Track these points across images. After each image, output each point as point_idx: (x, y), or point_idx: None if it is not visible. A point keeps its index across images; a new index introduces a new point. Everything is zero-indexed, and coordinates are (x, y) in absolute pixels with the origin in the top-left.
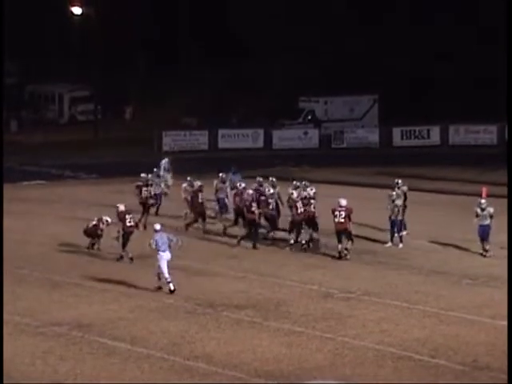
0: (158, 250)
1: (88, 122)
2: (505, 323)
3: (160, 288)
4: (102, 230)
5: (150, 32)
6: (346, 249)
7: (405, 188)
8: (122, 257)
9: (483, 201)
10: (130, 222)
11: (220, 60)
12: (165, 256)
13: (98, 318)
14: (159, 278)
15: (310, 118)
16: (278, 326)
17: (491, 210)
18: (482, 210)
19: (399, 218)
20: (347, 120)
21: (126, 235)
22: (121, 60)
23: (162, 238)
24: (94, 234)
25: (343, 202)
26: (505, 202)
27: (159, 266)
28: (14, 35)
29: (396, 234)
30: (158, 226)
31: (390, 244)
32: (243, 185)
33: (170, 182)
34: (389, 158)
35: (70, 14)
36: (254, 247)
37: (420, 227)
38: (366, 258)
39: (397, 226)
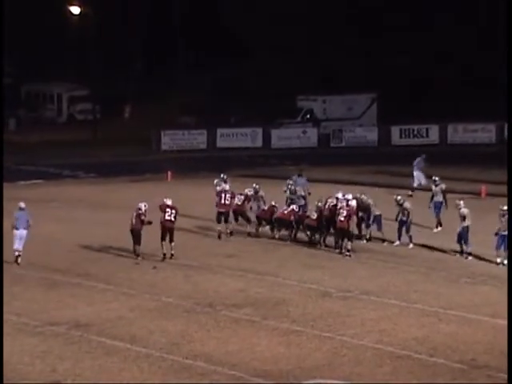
0: (15, 227)
1: (86, 121)
2: (503, 322)
3: (17, 261)
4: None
5: (148, 31)
6: (348, 250)
7: (443, 186)
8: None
9: (461, 202)
10: (169, 215)
11: (219, 59)
12: (19, 234)
13: (96, 318)
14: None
15: (308, 116)
16: (276, 325)
17: (465, 211)
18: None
19: (409, 218)
20: (346, 119)
21: (163, 229)
22: (119, 59)
23: (21, 218)
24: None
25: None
26: (503, 200)
27: (14, 241)
28: (11, 34)
29: (406, 234)
30: (22, 205)
31: (398, 243)
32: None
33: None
34: (387, 157)
35: (68, 14)
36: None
37: (418, 226)
38: (364, 256)
39: (406, 226)
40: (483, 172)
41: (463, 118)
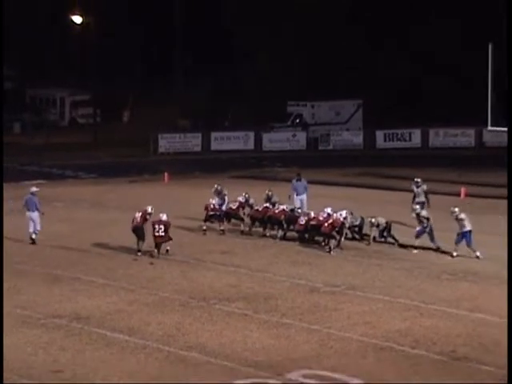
0: (27, 210)
1: (88, 124)
2: (482, 316)
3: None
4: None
5: (146, 39)
6: (330, 247)
7: (424, 187)
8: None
9: (417, 206)
10: (157, 231)
11: (213, 65)
12: (30, 216)
13: (96, 311)
14: (32, 236)
15: (298, 121)
16: (267, 319)
17: (423, 212)
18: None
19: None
20: (333, 123)
21: (155, 242)
22: (119, 66)
23: (31, 200)
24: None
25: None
26: (483, 201)
27: (29, 224)
28: (14, 41)
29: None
30: (33, 189)
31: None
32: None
33: None
34: (372, 160)
35: (70, 23)
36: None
37: (401, 226)
38: (351, 254)
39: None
40: (463, 174)
41: (444, 123)
